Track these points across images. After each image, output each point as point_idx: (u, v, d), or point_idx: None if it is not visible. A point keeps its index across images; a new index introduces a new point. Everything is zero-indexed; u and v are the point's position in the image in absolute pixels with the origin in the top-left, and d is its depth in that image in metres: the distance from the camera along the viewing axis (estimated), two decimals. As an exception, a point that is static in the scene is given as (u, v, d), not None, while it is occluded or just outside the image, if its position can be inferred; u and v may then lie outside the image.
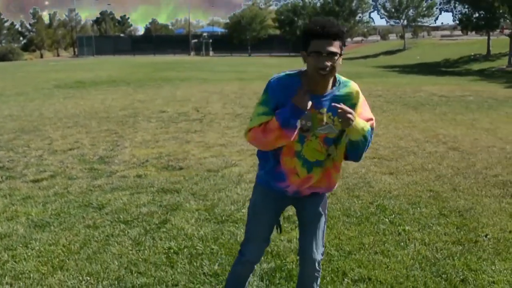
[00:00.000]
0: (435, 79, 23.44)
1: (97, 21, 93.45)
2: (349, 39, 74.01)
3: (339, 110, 2.38)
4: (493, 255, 3.95)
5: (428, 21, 60.63)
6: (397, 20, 58.92)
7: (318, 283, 2.95)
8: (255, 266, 3.02)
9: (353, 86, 2.58)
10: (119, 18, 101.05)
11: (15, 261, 3.87)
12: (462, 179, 6.08)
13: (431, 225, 4.59)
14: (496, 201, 5.26)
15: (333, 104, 2.45)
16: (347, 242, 4.20)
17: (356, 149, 2.58)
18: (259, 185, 2.77)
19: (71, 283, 3.51)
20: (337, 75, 2.54)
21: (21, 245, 4.17)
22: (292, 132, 2.44)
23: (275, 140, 2.47)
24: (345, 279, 3.54)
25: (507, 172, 6.36)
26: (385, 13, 58.46)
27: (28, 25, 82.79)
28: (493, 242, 4.21)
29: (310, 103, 2.39)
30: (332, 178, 2.69)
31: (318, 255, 2.79)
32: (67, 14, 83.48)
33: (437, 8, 55.04)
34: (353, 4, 63.12)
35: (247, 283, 3.05)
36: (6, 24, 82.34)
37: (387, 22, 61.52)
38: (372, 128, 2.59)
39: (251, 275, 3.07)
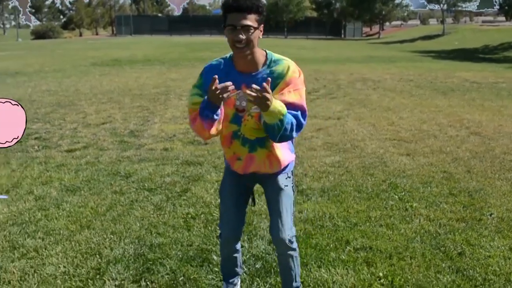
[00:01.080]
0: (470, 65, 23.07)
1: (135, 1, 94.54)
2: (387, 23, 72.93)
3: (253, 94, 2.21)
4: (494, 233, 4.11)
5: (469, 6, 59.12)
6: (437, 5, 57.60)
7: (296, 261, 2.80)
8: (239, 246, 2.97)
9: (286, 64, 2.46)
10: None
11: (47, 220, 4.26)
12: (478, 162, 6.18)
13: (439, 203, 4.76)
14: (508, 184, 5.37)
15: (245, 90, 2.30)
16: (355, 215, 4.43)
17: (271, 132, 2.38)
18: (225, 163, 2.80)
19: (96, 240, 3.87)
20: (270, 53, 2.51)
21: (53, 206, 4.57)
22: (208, 123, 2.39)
23: (201, 128, 2.43)
24: (347, 247, 3.77)
25: (525, 158, 6.43)
26: (425, -3, 57.28)
27: (68, 4, 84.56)
28: (496, 220, 4.36)
29: (226, 95, 2.28)
30: (281, 156, 2.60)
31: (285, 233, 2.62)
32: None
33: (478, -7, 53.55)
34: (392, -13, 62.03)
35: (239, 265, 3.04)
36: (47, 2, 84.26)
37: (425, 6, 60.21)
38: (302, 112, 2.43)
39: (241, 256, 3.05)
